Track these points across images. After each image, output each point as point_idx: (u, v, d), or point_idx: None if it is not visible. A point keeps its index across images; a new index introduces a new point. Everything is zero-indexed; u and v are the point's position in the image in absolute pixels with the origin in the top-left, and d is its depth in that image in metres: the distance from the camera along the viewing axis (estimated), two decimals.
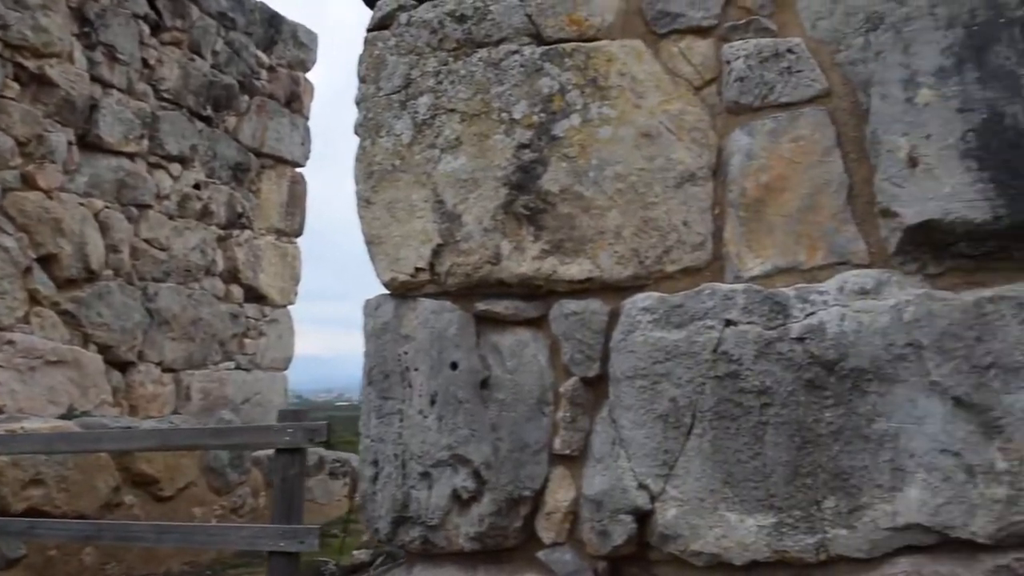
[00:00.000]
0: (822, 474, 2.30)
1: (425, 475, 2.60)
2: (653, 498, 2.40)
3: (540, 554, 2.53)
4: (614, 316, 2.52)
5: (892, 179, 2.36)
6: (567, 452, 2.53)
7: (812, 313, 2.34)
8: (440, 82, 2.77)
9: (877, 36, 2.44)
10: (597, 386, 2.54)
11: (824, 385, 2.31)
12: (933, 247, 2.35)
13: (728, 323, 2.38)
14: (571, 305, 2.56)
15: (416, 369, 2.64)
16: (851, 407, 2.30)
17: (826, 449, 2.30)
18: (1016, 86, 2.30)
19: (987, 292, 2.30)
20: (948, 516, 2.24)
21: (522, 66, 2.70)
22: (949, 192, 2.30)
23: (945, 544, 2.26)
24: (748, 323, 2.37)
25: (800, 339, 2.33)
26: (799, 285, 2.40)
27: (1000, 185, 2.28)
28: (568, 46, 2.69)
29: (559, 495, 2.53)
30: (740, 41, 2.59)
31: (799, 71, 2.52)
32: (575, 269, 2.56)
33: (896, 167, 2.35)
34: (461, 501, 2.57)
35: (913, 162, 2.34)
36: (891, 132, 2.37)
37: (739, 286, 2.42)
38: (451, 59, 2.79)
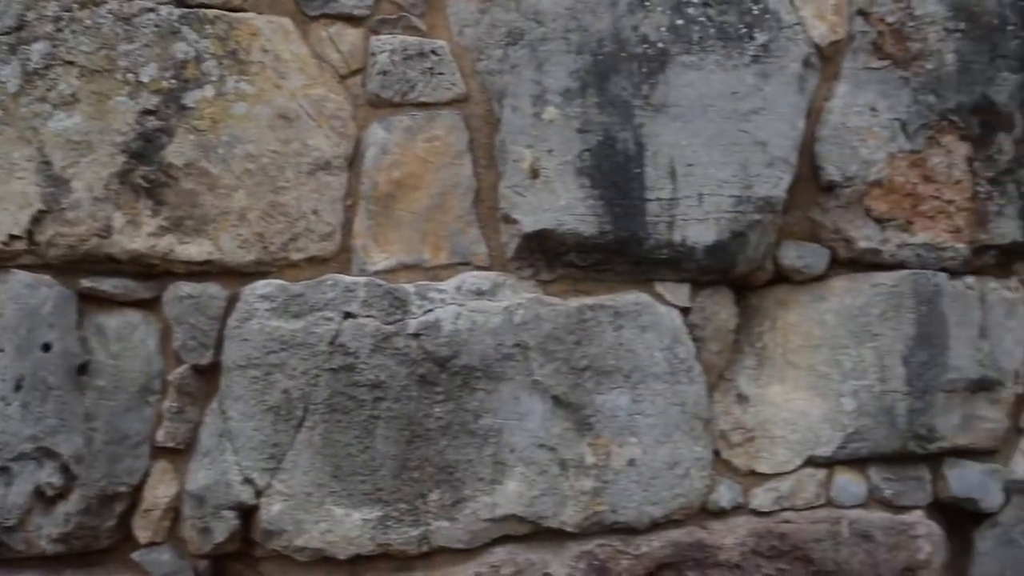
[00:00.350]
0: (429, 468, 2.36)
1: (3, 470, 2.30)
2: (259, 493, 2.31)
3: (135, 555, 2.35)
4: (233, 302, 2.40)
5: (515, 188, 2.48)
6: (171, 445, 2.36)
7: (430, 310, 2.40)
8: (60, 30, 2.47)
9: (515, 51, 2.55)
10: (210, 375, 2.40)
11: (436, 381, 2.37)
12: (547, 255, 2.50)
13: (347, 315, 2.36)
14: (187, 288, 2.40)
15: (1, 350, 2.33)
16: (460, 403, 2.38)
17: (434, 443, 2.36)
18: (629, 115, 2.52)
19: (589, 300, 2.50)
20: (542, 507, 2.40)
21: (157, 26, 2.48)
22: (564, 205, 2.47)
23: (538, 533, 2.43)
24: (367, 316, 2.37)
25: (416, 335, 2.37)
26: (420, 282, 2.45)
27: (607, 203, 2.48)
28: (210, 12, 2.52)
29: (159, 491, 2.36)
30: (388, 35, 2.59)
31: (441, 73, 2.58)
32: (194, 250, 2.40)
33: (519, 177, 2.48)
34: (46, 499, 2.31)
35: (535, 174, 2.48)
36: (518, 143, 2.49)
37: (361, 279, 2.41)
38: (76, 6, 2.49)
